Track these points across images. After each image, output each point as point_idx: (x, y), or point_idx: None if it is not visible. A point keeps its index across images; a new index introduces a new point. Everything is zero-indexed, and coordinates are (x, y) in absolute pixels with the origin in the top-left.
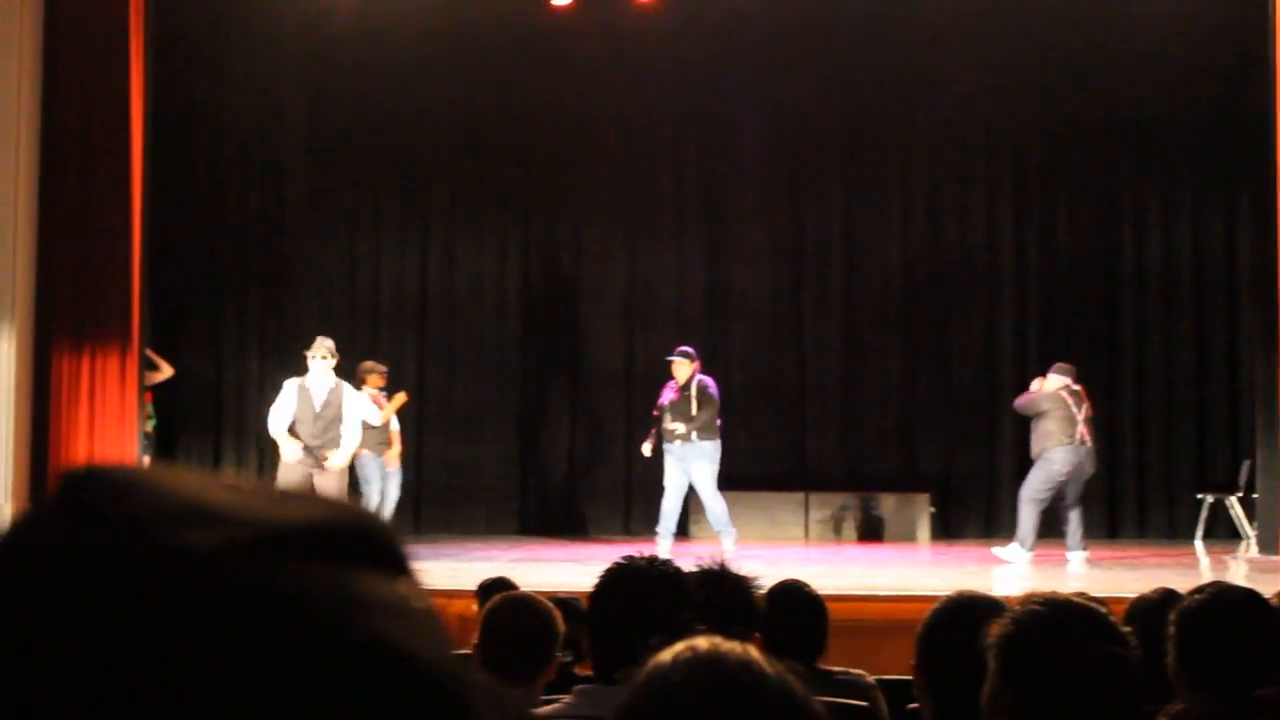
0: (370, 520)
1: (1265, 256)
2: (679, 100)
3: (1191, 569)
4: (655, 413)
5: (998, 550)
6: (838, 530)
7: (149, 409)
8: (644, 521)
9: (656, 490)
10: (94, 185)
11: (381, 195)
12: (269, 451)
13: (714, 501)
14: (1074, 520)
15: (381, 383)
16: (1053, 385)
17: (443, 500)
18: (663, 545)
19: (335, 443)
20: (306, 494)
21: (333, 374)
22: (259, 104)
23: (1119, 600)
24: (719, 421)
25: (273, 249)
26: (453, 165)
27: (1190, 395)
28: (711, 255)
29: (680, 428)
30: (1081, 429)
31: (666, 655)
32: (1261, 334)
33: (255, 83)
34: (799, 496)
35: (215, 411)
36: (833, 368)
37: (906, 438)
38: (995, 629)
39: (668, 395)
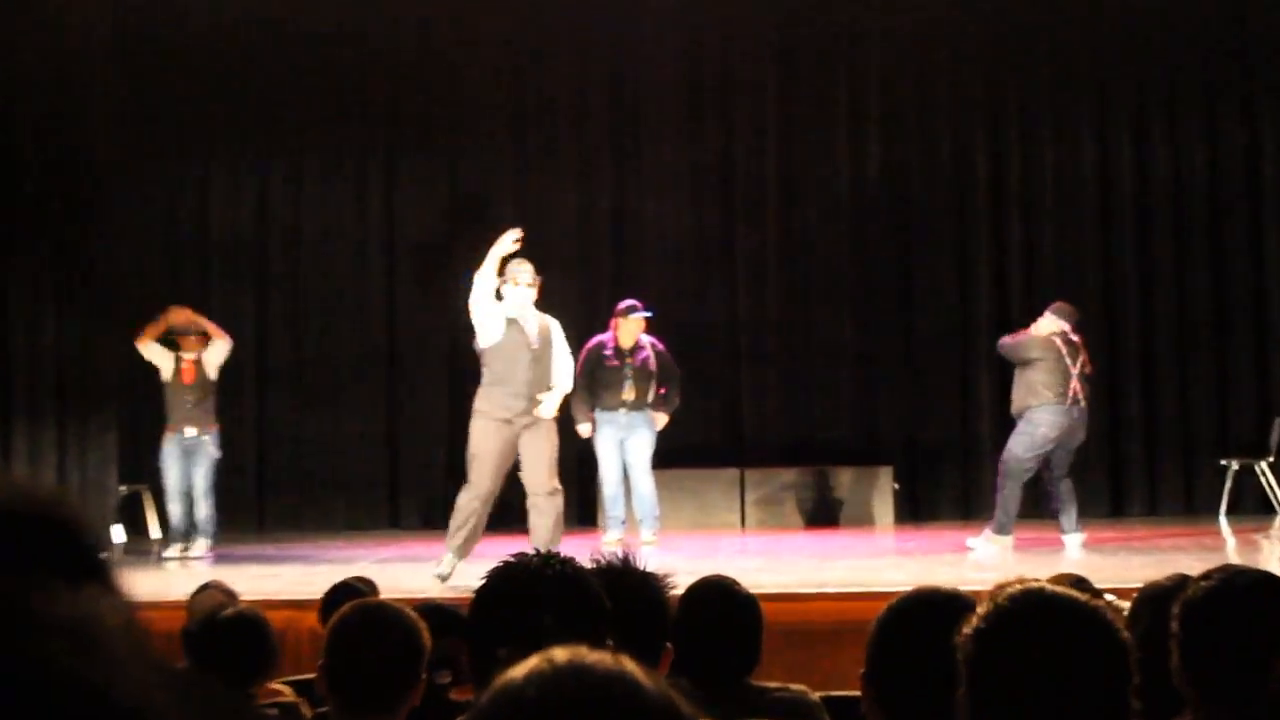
0: (56, 510)
1: None
2: None
3: (1215, 551)
4: (580, 380)
5: (971, 542)
6: (780, 514)
7: None
8: None
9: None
10: None
11: (211, 121)
12: (74, 419)
13: (648, 481)
14: (1065, 495)
15: (201, 345)
16: (1046, 329)
17: (292, 489)
18: (614, 534)
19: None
20: None
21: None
22: (58, 20)
23: (1127, 591)
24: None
25: (75, 184)
26: (299, 86)
27: (1209, 342)
28: (620, 184)
29: (663, 417)
30: (1075, 384)
31: (519, 670)
32: None
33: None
34: (733, 474)
35: (4, 374)
36: (772, 317)
37: (863, 400)
38: (965, 629)
39: (612, 360)
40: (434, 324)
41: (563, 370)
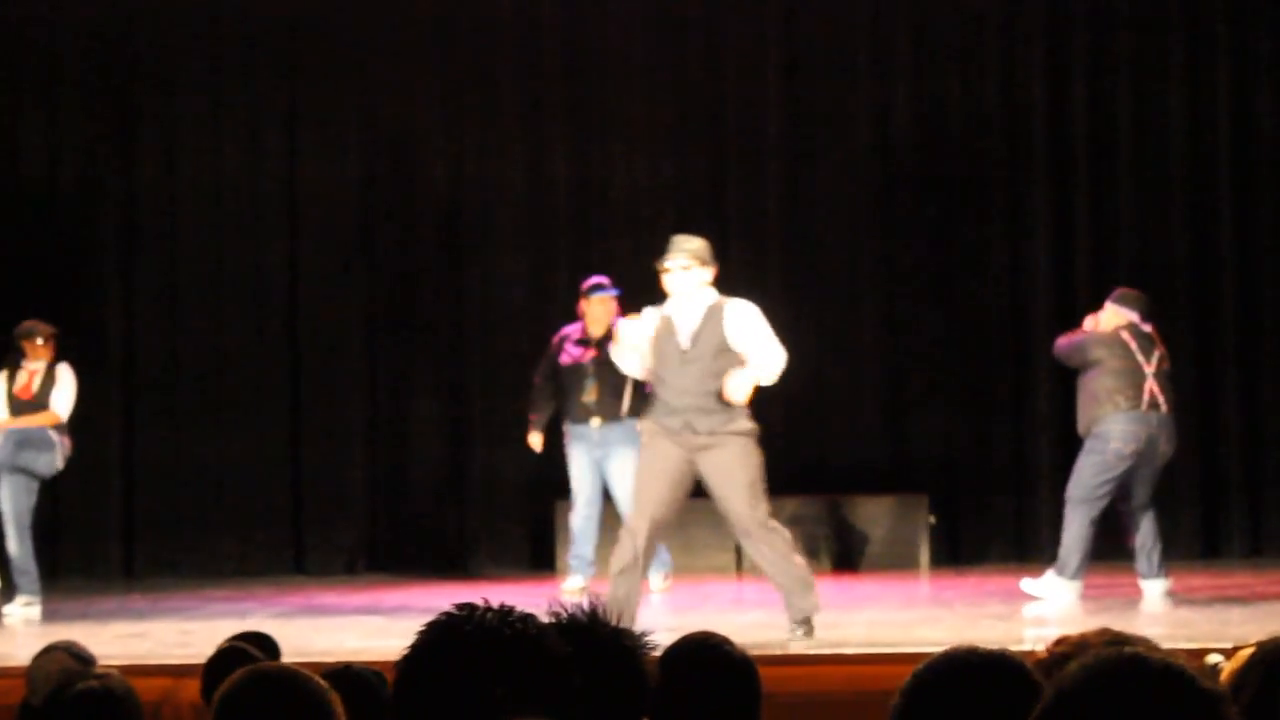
0: None
1: None
2: None
3: None
4: (538, 380)
5: (1029, 584)
6: None
7: None
8: (493, 554)
9: (510, 505)
10: None
11: (58, 61)
12: None
13: None
14: (1146, 530)
15: (48, 355)
16: (1110, 322)
17: (167, 526)
18: (576, 581)
19: (725, 408)
20: None
21: (710, 291)
22: None
23: (1223, 650)
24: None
25: None
26: (170, 13)
27: None
28: (580, 142)
29: (625, 403)
30: (1151, 385)
31: None
32: None
33: None
34: None
35: None
36: (774, 306)
37: (891, 412)
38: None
39: (573, 352)
40: (349, 314)
41: (758, 357)
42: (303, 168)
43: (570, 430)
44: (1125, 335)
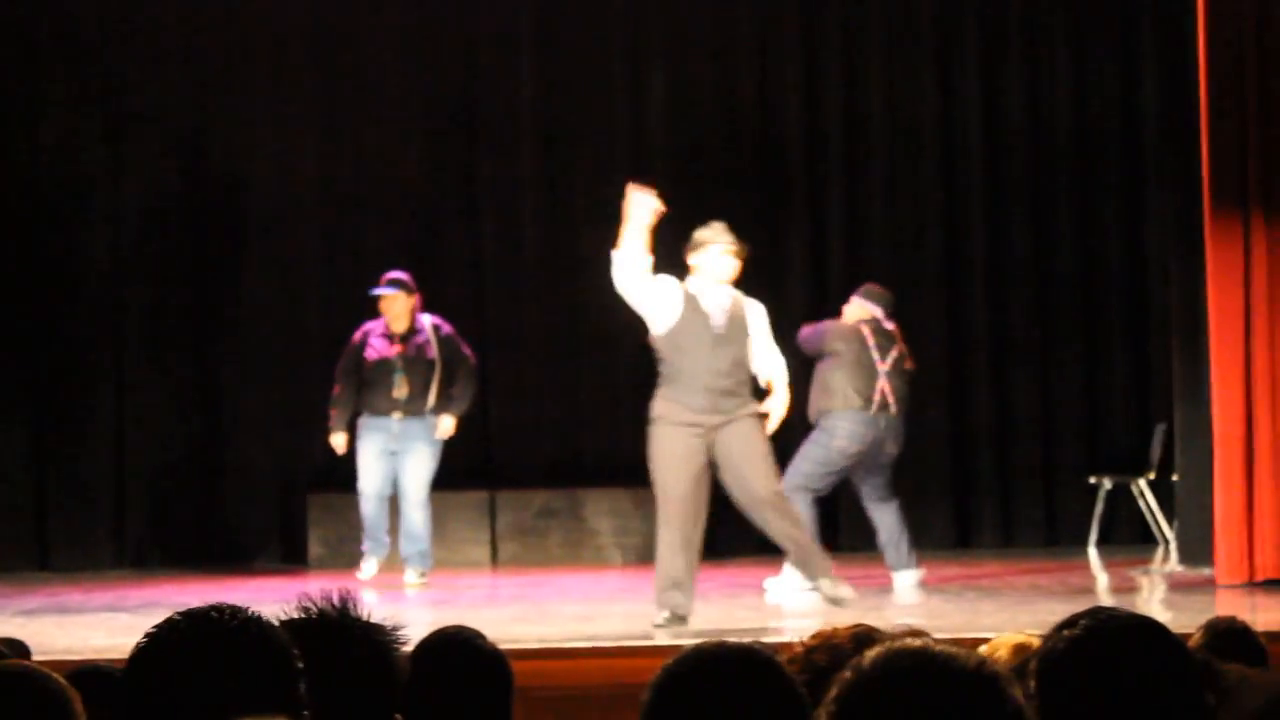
0: None
1: (1181, 111)
2: None
3: (1083, 593)
4: (339, 376)
5: (772, 584)
6: (541, 548)
7: None
8: (245, 548)
9: (262, 498)
10: None
11: None
12: None
13: (420, 513)
14: (892, 522)
15: None
16: (852, 316)
17: None
18: (371, 566)
19: (745, 392)
20: None
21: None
22: None
23: (975, 641)
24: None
25: None
26: None
27: (1074, 329)
28: (329, 127)
29: (449, 422)
30: (884, 385)
31: None
32: (1178, 230)
33: None
34: (480, 497)
35: None
36: (526, 293)
37: (640, 404)
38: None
39: (378, 347)
40: (94, 303)
41: (771, 364)
42: (44, 155)
43: (366, 423)
44: (865, 330)
